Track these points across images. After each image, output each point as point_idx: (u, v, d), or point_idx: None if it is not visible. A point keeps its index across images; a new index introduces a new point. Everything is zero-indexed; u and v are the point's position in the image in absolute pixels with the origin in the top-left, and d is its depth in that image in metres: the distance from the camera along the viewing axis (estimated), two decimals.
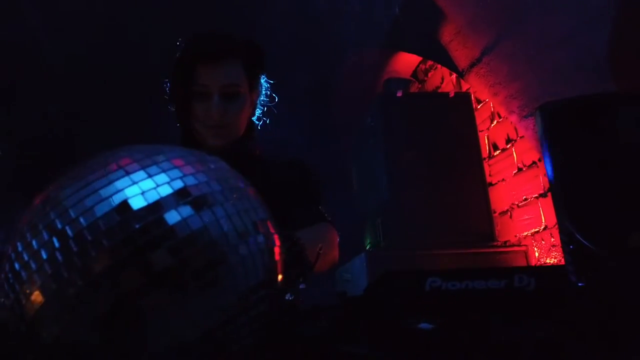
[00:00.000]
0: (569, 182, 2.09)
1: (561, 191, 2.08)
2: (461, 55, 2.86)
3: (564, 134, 2.11)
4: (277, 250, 0.71)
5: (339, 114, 3.21)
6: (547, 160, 2.13)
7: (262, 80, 1.44)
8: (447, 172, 2.63)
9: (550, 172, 2.11)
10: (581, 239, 2.07)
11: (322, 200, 1.43)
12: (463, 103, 2.74)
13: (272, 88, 1.50)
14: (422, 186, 2.59)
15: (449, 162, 2.65)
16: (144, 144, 0.71)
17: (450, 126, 2.69)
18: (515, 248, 2.55)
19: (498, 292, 0.95)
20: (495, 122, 2.97)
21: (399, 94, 2.65)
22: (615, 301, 1.04)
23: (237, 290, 0.62)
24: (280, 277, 0.70)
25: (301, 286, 1.30)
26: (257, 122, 1.46)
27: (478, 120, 3.03)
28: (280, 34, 2.84)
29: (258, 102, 1.44)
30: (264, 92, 1.44)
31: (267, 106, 1.46)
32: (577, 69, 2.37)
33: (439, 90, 3.42)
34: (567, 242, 1.05)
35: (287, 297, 1.07)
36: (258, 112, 1.46)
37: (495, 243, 2.57)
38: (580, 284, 1.04)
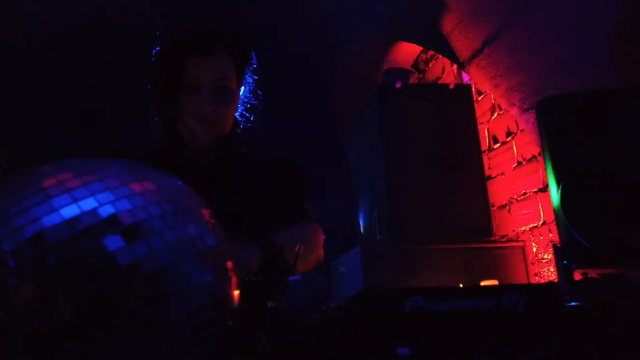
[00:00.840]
0: (568, 180, 1.96)
1: (560, 189, 1.96)
2: (462, 46, 2.73)
3: (564, 131, 1.99)
4: (232, 280, 0.61)
5: (338, 104, 3.10)
6: (547, 157, 2.01)
7: (247, 76, 1.35)
8: (445, 165, 2.52)
9: (549, 170, 1.99)
10: (580, 239, 1.95)
11: (308, 197, 1.34)
12: (463, 95, 2.62)
13: (263, 81, 1.40)
14: (420, 179, 2.48)
15: (448, 155, 2.53)
16: (85, 158, 0.60)
17: (449, 118, 2.57)
18: (513, 244, 2.45)
19: (485, 313, 0.85)
20: (495, 114, 2.85)
21: (398, 85, 2.53)
22: (612, 321, 0.95)
23: (177, 332, 0.52)
24: (234, 310, 0.61)
25: (297, 278, 1.22)
26: (240, 119, 1.36)
27: (478, 113, 2.90)
28: (279, 22, 2.73)
29: (241, 98, 1.35)
30: (247, 89, 1.35)
31: (251, 103, 1.36)
32: (580, 63, 2.25)
33: (440, 81, 3.29)
34: (562, 256, 0.95)
35: (269, 305, 0.99)
36: (241, 108, 1.36)
37: (492, 238, 2.47)
38: (573, 303, 0.94)
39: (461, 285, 2.27)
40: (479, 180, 2.51)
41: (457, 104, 2.59)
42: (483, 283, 2.18)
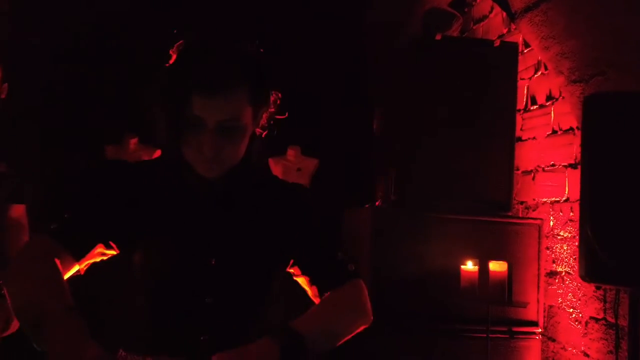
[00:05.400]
0: (602, 187, 1.78)
1: (590, 195, 1.79)
2: None
3: (609, 135, 1.76)
4: None
5: (372, 49, 2.81)
6: (585, 161, 1.80)
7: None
8: (474, 129, 2.33)
9: (584, 172, 1.80)
10: (599, 250, 1.81)
11: (337, 243, 1.18)
12: (508, 55, 2.34)
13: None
14: (444, 142, 2.31)
15: (479, 119, 2.33)
16: None
17: (488, 79, 2.33)
18: (530, 221, 2.32)
19: None
20: (539, 73, 2.56)
21: (438, 36, 2.26)
22: None
23: None
24: None
25: None
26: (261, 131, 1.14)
27: (521, 67, 2.62)
28: None
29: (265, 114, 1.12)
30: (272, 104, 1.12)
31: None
32: None
33: (487, 20, 2.95)
34: None
35: None
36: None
37: (509, 213, 2.34)
38: None
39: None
40: (507, 151, 2.33)
41: (499, 64, 2.33)
42: (491, 265, 2.09)
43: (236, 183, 1.13)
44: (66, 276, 1.01)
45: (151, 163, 1.16)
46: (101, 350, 0.86)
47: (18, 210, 2.08)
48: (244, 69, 1.01)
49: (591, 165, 1.65)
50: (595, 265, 1.68)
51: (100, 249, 1.07)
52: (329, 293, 1.10)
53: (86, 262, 1.06)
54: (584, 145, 1.68)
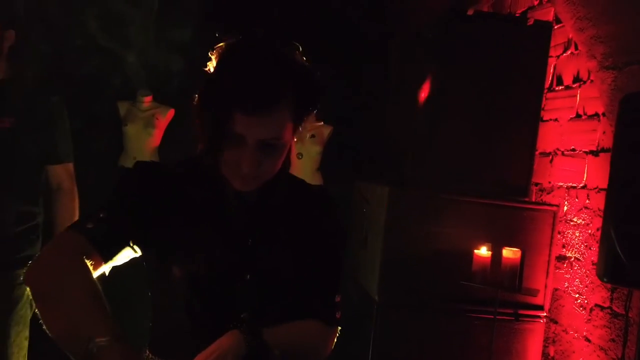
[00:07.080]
0: (630, 189, 1.74)
1: (617, 198, 1.75)
2: None
3: None
4: None
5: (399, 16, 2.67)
6: (615, 160, 1.75)
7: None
8: (499, 110, 2.25)
9: (613, 172, 1.75)
10: (619, 251, 1.80)
11: (339, 285, 1.16)
12: (540, 34, 2.23)
13: None
14: (467, 122, 2.24)
15: (505, 100, 2.25)
16: None
17: (518, 59, 2.23)
18: (546, 207, 2.29)
19: None
20: (568, 52, 2.45)
21: (470, 12, 2.14)
22: None
23: None
24: None
25: None
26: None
27: (550, 44, 2.51)
28: None
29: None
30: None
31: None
32: None
33: None
34: None
35: None
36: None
37: (526, 199, 2.30)
38: None
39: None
40: (530, 136, 2.26)
41: (530, 43, 2.22)
42: (505, 251, 2.08)
43: (269, 195, 1.09)
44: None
45: (188, 170, 1.10)
46: None
47: (59, 172, 2.01)
48: (290, 86, 0.95)
49: (621, 167, 1.60)
50: (615, 266, 1.66)
51: (127, 251, 1.03)
52: (309, 321, 1.11)
53: (111, 264, 1.03)
54: (616, 146, 1.63)
